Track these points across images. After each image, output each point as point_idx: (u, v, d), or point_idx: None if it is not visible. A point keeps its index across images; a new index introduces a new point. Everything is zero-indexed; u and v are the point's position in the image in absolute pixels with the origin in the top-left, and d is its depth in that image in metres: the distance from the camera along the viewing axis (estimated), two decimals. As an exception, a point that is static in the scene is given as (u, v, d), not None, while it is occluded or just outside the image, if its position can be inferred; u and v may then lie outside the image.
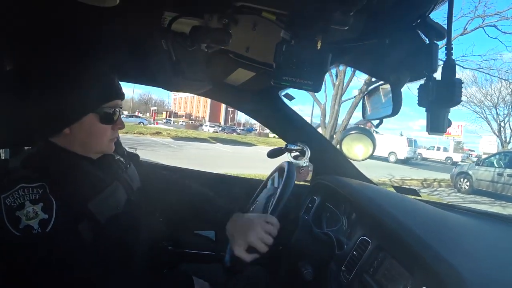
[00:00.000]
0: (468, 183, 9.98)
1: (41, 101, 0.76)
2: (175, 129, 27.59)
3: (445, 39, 0.63)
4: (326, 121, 8.89)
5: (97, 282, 0.73)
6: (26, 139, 0.84)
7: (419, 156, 23.25)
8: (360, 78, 8.89)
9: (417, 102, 0.66)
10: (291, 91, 1.52)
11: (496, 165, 9.58)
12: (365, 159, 1.28)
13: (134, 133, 18.64)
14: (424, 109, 0.65)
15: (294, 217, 1.05)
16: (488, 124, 17.97)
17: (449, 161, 22.54)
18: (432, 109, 0.63)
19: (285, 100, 1.55)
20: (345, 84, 8.79)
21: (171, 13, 0.78)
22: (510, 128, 17.67)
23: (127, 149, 1.07)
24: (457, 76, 0.61)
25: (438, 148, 25.31)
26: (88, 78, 0.79)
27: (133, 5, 0.76)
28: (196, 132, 27.65)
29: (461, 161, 19.88)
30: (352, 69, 7.65)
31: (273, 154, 1.43)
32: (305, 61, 0.64)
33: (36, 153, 0.79)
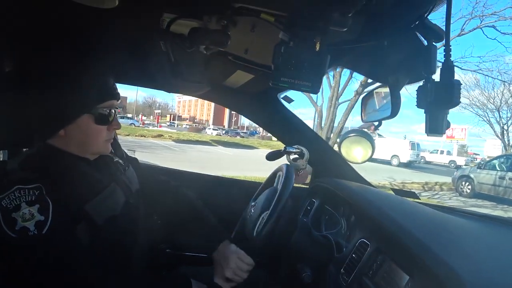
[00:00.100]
0: (469, 187, 9.88)
1: (35, 102, 0.76)
2: (177, 132, 27.64)
3: (444, 41, 0.63)
4: (323, 123, 8.89)
5: (95, 284, 0.73)
6: (22, 140, 0.84)
7: (422, 160, 23.10)
8: (359, 80, 8.88)
9: (415, 103, 0.66)
10: (290, 93, 1.52)
11: (498, 169, 9.48)
12: (364, 161, 1.28)
13: (135, 136, 18.65)
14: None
15: (293, 220, 1.05)
16: (491, 127, 17.81)
17: (452, 164, 22.28)
18: (431, 110, 0.63)
19: (284, 102, 1.55)
20: (342, 86, 8.79)
21: (170, 14, 0.78)
22: (514, 131, 17.54)
23: (126, 151, 1.07)
24: (459, 79, 0.61)
25: (442, 152, 25.08)
26: (82, 78, 0.79)
27: (132, 6, 0.76)
28: (198, 135, 27.68)
29: (465, 165, 19.77)
30: (350, 71, 7.66)
31: (272, 156, 1.42)
32: (304, 62, 0.64)
33: (34, 155, 0.79)
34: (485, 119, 17.73)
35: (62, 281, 0.69)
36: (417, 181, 11.20)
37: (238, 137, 36.86)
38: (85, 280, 0.71)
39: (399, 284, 0.71)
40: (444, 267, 0.61)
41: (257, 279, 1.16)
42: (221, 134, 38.66)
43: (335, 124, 8.77)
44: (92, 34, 0.97)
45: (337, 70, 7.93)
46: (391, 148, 19.44)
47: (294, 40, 0.65)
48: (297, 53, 0.64)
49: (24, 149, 0.88)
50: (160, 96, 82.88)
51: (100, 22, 0.87)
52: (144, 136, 19.30)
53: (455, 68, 0.62)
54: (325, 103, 9.07)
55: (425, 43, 0.66)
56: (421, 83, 0.66)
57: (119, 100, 0.88)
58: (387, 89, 0.87)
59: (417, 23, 0.66)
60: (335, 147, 1.53)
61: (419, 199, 1.45)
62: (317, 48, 0.64)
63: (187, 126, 49.41)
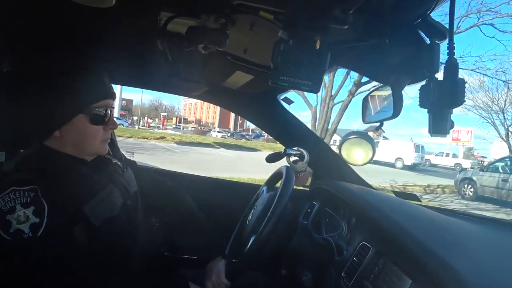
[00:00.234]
0: (472, 189, 9.76)
1: (30, 103, 0.75)
2: (180, 134, 27.77)
3: (447, 39, 0.61)
4: (317, 124, 8.90)
5: (93, 285, 0.72)
6: (18, 142, 0.83)
7: (427, 163, 22.97)
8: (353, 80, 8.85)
9: (418, 103, 0.64)
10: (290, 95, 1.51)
11: (501, 171, 9.36)
12: (365, 164, 1.26)
13: (138, 138, 18.79)
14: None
15: (293, 223, 1.03)
16: (496, 129, 17.63)
17: (458, 167, 21.83)
18: (435, 110, 0.62)
19: (284, 104, 1.54)
20: (337, 86, 8.79)
21: (167, 13, 0.77)
22: (519, 133, 17.35)
23: (125, 152, 1.06)
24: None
25: (447, 154, 24.81)
26: (77, 78, 0.78)
27: (129, 5, 0.75)
28: (201, 137, 27.79)
29: (471, 168, 19.65)
30: (346, 71, 7.65)
31: (271, 158, 1.41)
32: (304, 61, 0.63)
33: (30, 156, 0.79)
34: (489, 121, 17.57)
35: (59, 282, 0.68)
36: (419, 184, 11.14)
37: (243, 139, 36.97)
38: (83, 282, 0.71)
39: (402, 287, 0.70)
40: (446, 269, 0.60)
41: (256, 285, 1.15)
42: (226, 136, 38.89)
43: (330, 126, 8.78)
44: (89, 34, 0.96)
45: (336, 70, 7.94)
46: (395, 151, 19.36)
47: (293, 38, 0.63)
48: (296, 52, 0.63)
49: (21, 151, 0.88)
50: (166, 99, 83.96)
51: (97, 21, 0.86)
52: (147, 138, 19.39)
53: None
54: (320, 104, 9.10)
55: (428, 41, 0.65)
56: (423, 82, 0.65)
57: (115, 99, 0.87)
58: (388, 90, 0.85)
59: (419, 20, 0.64)
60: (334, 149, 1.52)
61: (421, 201, 1.44)
62: (317, 47, 0.62)
63: (193, 129, 49.86)
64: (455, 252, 0.70)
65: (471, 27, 8.58)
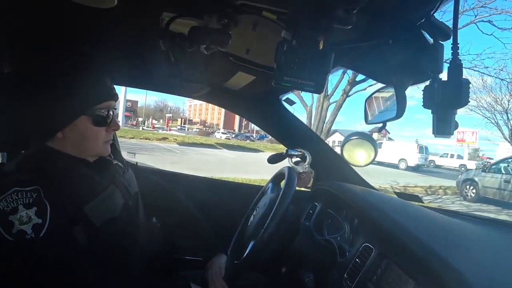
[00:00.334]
0: (474, 191, 9.59)
1: (32, 103, 0.75)
2: (183, 135, 27.79)
3: (451, 39, 0.61)
4: (312, 123, 8.89)
5: (94, 286, 0.72)
6: (20, 142, 0.83)
7: (431, 164, 22.76)
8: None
9: (422, 104, 0.64)
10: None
11: (504, 172, 9.16)
12: (367, 164, 1.26)
13: (140, 139, 18.87)
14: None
15: (295, 224, 1.03)
16: (499, 129, 17.36)
17: (463, 168, 21.36)
18: (439, 111, 0.62)
19: (286, 105, 1.54)
20: (333, 85, 8.74)
21: (169, 13, 0.77)
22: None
23: (126, 153, 1.06)
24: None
25: (452, 155, 24.50)
26: (79, 79, 0.78)
27: (131, 5, 0.75)
28: (204, 138, 27.81)
29: (476, 169, 19.40)
30: (342, 70, 7.61)
31: (273, 159, 1.41)
32: (307, 61, 0.63)
33: (32, 157, 0.79)
34: (493, 121, 17.30)
35: (60, 283, 0.68)
36: (421, 185, 11.08)
37: (248, 140, 37.01)
38: (84, 282, 0.71)
39: None
40: (449, 270, 0.60)
41: (258, 284, 1.14)
42: (230, 138, 38.95)
43: (324, 125, 8.77)
44: (91, 34, 0.96)
45: (338, 70, 7.91)
46: (399, 152, 19.23)
47: (296, 39, 0.63)
48: (300, 52, 0.62)
49: (23, 151, 0.88)
50: (171, 100, 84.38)
51: (99, 22, 0.86)
52: (149, 139, 19.44)
53: None
54: (315, 103, 9.08)
55: (431, 41, 0.64)
56: (427, 82, 0.64)
57: (117, 101, 0.87)
58: (391, 91, 0.85)
59: (423, 20, 0.64)
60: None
61: (423, 202, 1.44)
62: (321, 47, 0.62)
63: (197, 130, 49.95)
64: (458, 253, 0.70)
65: (468, 24, 8.34)
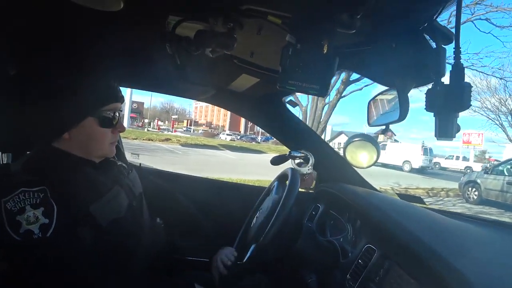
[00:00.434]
0: (476, 193, 9.43)
1: (39, 106, 0.76)
2: (186, 136, 27.76)
3: (453, 43, 0.62)
4: (307, 123, 8.87)
5: (98, 285, 0.73)
6: (27, 143, 0.84)
7: (437, 166, 22.46)
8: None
9: (424, 107, 0.65)
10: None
11: (506, 174, 9.00)
12: (369, 166, 1.26)
13: (143, 139, 18.88)
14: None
15: (298, 225, 1.04)
16: (504, 131, 17.07)
17: (468, 170, 21.31)
18: (441, 114, 0.62)
19: (289, 106, 1.55)
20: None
21: (175, 17, 0.78)
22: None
23: (130, 155, 1.07)
24: (469, 81, 0.60)
25: (458, 157, 23.97)
26: (85, 82, 0.80)
27: (137, 9, 0.76)
28: (207, 139, 27.73)
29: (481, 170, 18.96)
30: (339, 71, 7.58)
31: (276, 161, 1.42)
32: (311, 65, 0.64)
33: (38, 157, 0.80)
34: (498, 122, 17.06)
35: (66, 282, 0.69)
36: (422, 187, 10.99)
37: (253, 142, 36.86)
38: (89, 282, 0.71)
39: None
40: (452, 271, 0.61)
41: (260, 285, 1.15)
42: (235, 139, 38.81)
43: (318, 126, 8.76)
44: (97, 37, 0.97)
45: (342, 73, 7.90)
46: (403, 154, 19.05)
47: (301, 43, 0.64)
48: (305, 56, 0.63)
49: (28, 152, 0.89)
50: (177, 102, 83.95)
51: (105, 25, 0.87)
52: (152, 140, 19.43)
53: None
54: (310, 103, 9.08)
55: (434, 45, 0.65)
56: (430, 86, 0.65)
57: (123, 102, 0.88)
58: (393, 93, 0.86)
59: (425, 25, 0.65)
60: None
61: (425, 204, 1.44)
62: (325, 51, 0.63)
63: (203, 132, 49.89)
64: (460, 254, 0.71)
65: (465, 22, 8.19)
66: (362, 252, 0.90)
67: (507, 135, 17.06)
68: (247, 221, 1.20)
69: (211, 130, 57.00)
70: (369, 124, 1.06)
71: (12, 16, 0.85)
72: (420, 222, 0.93)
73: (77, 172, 0.78)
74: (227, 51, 0.77)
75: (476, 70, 9.47)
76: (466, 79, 0.60)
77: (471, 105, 0.59)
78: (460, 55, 0.60)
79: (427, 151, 19.35)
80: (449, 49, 0.64)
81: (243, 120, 69.71)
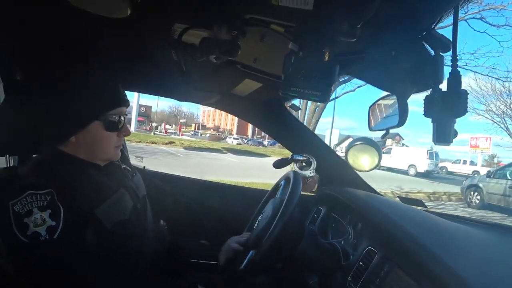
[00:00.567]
0: (478, 197, 9.24)
1: (46, 109, 0.78)
2: (190, 140, 27.70)
3: (451, 51, 0.64)
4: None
5: (104, 287, 0.74)
6: (33, 147, 0.86)
7: (444, 170, 22.08)
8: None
9: (423, 113, 0.66)
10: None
11: (509, 177, 8.79)
12: (371, 169, 1.28)
13: (147, 143, 18.87)
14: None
15: (300, 228, 1.05)
16: (509, 135, 16.73)
17: (476, 175, 21.26)
18: (438, 119, 0.64)
19: (291, 110, 1.57)
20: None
21: (181, 24, 0.80)
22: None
23: (134, 158, 1.09)
24: (473, 83, 0.61)
25: (465, 162, 23.45)
26: (92, 86, 0.81)
27: (144, 16, 0.78)
28: (211, 143, 27.62)
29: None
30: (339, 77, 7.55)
31: (279, 164, 1.43)
32: (313, 72, 0.65)
33: (44, 160, 0.81)
34: (503, 126, 16.64)
35: (72, 283, 0.70)
36: (424, 191, 10.88)
37: (260, 146, 36.66)
38: (95, 283, 0.72)
39: None
40: (452, 274, 0.61)
41: (262, 286, 1.16)
42: (242, 143, 38.69)
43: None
44: (104, 43, 0.99)
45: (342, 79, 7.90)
46: (409, 158, 18.78)
47: (303, 51, 0.66)
48: (306, 63, 0.65)
49: (34, 155, 0.90)
50: (186, 106, 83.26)
51: (112, 31, 0.89)
52: (155, 143, 19.42)
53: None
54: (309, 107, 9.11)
55: (432, 53, 0.67)
56: (428, 92, 0.67)
57: (128, 107, 0.90)
58: (393, 99, 0.87)
59: (424, 33, 0.67)
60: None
61: (426, 207, 1.44)
62: (326, 58, 0.65)
63: (210, 136, 49.90)
64: (461, 257, 0.71)
65: (459, 20, 8.25)
66: (363, 254, 0.90)
67: (512, 138, 16.76)
68: (250, 223, 1.22)
69: (218, 134, 56.86)
70: (370, 128, 1.07)
71: (22, 22, 0.87)
72: (420, 225, 0.94)
73: (83, 175, 0.79)
74: (231, 57, 0.79)
75: (471, 70, 9.33)
76: (471, 82, 0.61)
77: (467, 111, 0.61)
78: (457, 62, 0.62)
79: (432, 155, 18.99)
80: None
81: (250, 125, 69.17)
